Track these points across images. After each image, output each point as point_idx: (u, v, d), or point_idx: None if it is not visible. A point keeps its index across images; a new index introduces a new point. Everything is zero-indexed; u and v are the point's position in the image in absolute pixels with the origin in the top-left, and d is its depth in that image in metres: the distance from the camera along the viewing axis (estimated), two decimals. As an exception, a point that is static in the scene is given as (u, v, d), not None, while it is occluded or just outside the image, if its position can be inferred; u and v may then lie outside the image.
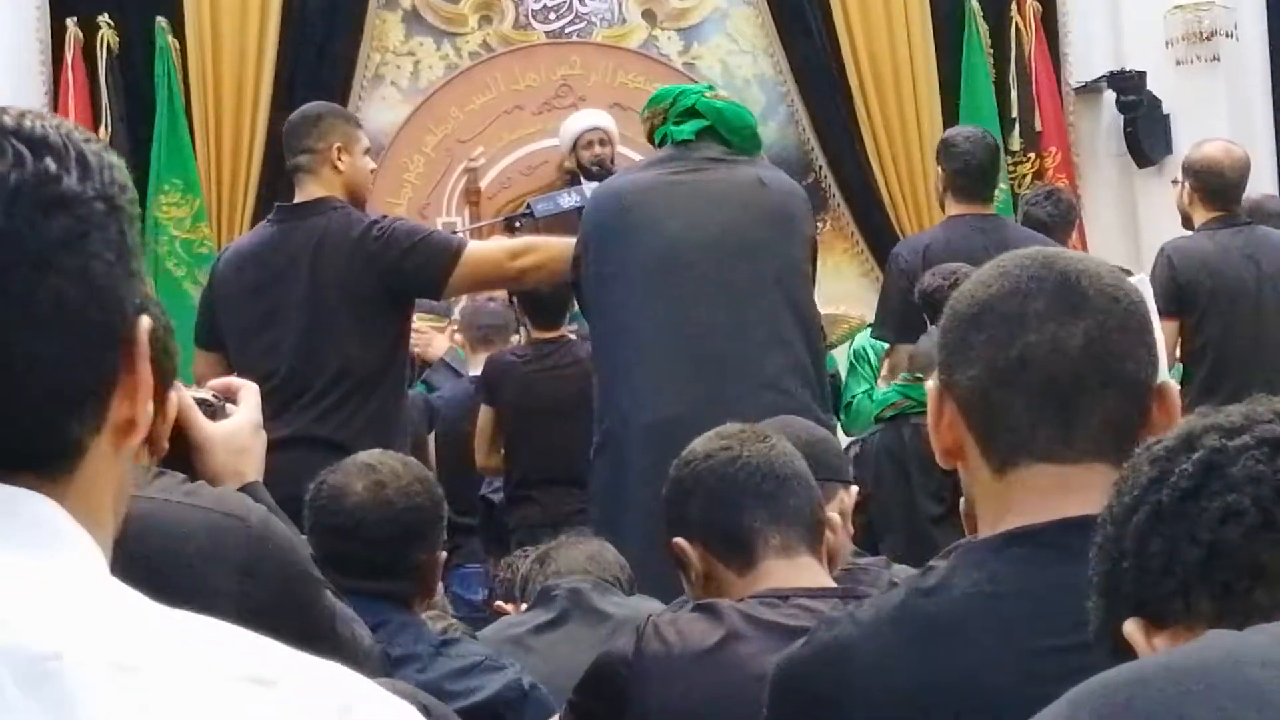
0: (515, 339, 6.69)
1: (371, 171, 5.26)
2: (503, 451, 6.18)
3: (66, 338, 1.06)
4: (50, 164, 1.07)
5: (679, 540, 2.80)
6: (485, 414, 6.14)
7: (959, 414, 1.85)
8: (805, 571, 2.73)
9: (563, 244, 4.99)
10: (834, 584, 2.78)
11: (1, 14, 8.81)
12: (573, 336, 6.15)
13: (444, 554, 3.37)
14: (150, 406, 1.13)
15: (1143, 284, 4.69)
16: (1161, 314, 5.49)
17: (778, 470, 2.77)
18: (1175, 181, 6.67)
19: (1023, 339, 1.81)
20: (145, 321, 1.10)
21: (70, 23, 8.78)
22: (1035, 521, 1.79)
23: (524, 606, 3.73)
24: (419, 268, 4.81)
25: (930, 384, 1.91)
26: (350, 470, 3.25)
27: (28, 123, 1.08)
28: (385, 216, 5.08)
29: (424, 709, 2.11)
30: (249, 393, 2.62)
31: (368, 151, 5.11)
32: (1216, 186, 6.23)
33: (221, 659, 1.02)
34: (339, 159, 4.94)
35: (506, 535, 5.90)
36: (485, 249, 5.12)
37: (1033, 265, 1.85)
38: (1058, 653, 1.67)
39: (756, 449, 2.79)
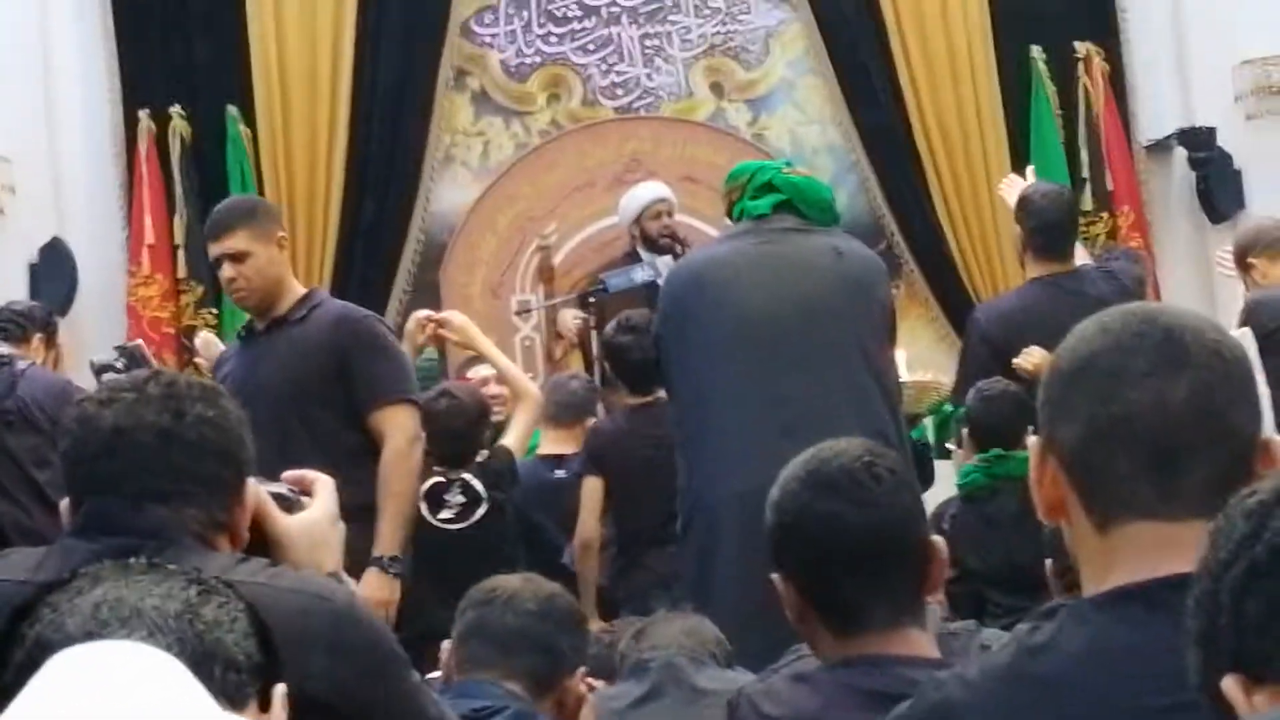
0: (590, 421, 6.63)
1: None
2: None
3: None
4: None
5: (776, 577, 2.63)
6: (593, 484, 6.10)
7: (1061, 470, 1.83)
8: (906, 644, 2.55)
9: None
10: (936, 654, 2.58)
11: (75, 106, 8.96)
12: (665, 399, 6.10)
13: (582, 677, 3.17)
14: None
15: (1244, 338, 4.64)
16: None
17: (883, 543, 2.55)
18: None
19: (1125, 395, 1.79)
20: None
21: (143, 114, 8.91)
22: (1139, 579, 1.77)
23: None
24: None
25: (1032, 439, 1.89)
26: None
27: None
28: None
29: None
30: (324, 485, 2.62)
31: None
32: None
33: None
34: None
35: (615, 609, 5.81)
36: None
37: (1135, 321, 1.83)
38: (1167, 712, 1.65)
39: (859, 516, 2.56)
